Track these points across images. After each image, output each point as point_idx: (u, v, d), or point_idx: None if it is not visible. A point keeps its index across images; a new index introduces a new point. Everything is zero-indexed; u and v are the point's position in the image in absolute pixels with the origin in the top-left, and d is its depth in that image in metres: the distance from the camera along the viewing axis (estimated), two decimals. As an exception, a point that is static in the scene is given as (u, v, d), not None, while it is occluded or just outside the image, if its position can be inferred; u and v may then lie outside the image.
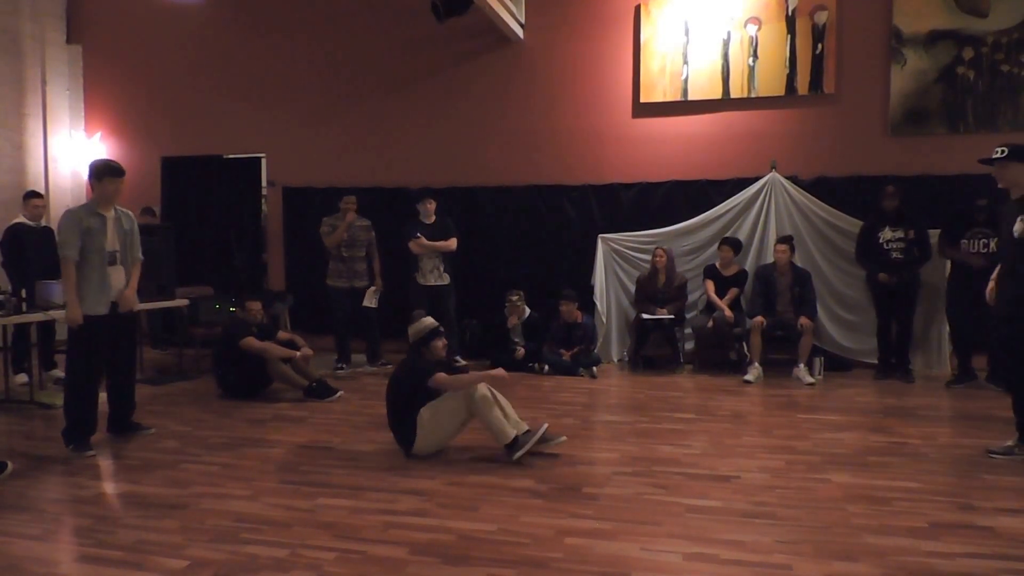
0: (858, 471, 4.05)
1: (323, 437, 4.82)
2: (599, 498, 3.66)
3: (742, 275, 7.02)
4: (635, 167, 7.66)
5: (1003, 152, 4.13)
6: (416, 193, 7.65)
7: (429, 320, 4.56)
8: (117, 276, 4.62)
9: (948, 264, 6.43)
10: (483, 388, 4.26)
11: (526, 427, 4.32)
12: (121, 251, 4.66)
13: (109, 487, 3.89)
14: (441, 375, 4.33)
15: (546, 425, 4.36)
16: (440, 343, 4.50)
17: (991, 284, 4.35)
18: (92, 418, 4.59)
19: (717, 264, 7.03)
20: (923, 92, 7.00)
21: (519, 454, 4.18)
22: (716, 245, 7.09)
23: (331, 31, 8.42)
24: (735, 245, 7.00)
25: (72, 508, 3.67)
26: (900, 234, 6.43)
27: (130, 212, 4.82)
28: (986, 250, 6.10)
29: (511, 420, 4.29)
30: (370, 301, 7.11)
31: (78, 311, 4.42)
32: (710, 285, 6.98)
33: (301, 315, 8.20)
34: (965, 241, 6.22)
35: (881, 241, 6.47)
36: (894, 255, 6.42)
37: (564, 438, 4.42)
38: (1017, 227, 4.08)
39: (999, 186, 4.26)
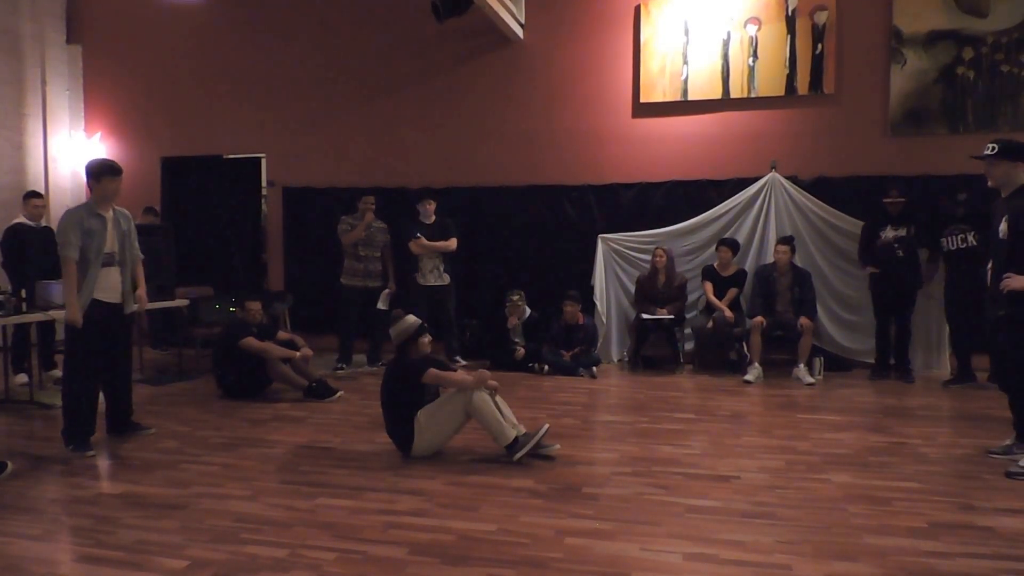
0: (858, 471, 4.05)
1: (323, 437, 4.82)
2: (599, 498, 3.66)
3: (741, 275, 7.02)
4: (635, 167, 7.66)
5: (994, 149, 4.07)
6: (416, 193, 7.66)
7: (412, 318, 4.53)
8: (113, 277, 4.60)
9: (942, 266, 6.44)
10: (481, 390, 4.26)
11: (523, 429, 4.32)
12: (119, 252, 4.65)
13: (109, 487, 3.89)
14: (434, 371, 4.32)
15: (547, 426, 4.35)
16: (425, 340, 4.47)
17: (989, 272, 4.32)
18: (91, 418, 4.59)
19: (715, 265, 7.04)
20: (923, 92, 7.00)
21: (520, 454, 4.18)
22: (715, 246, 7.09)
23: (331, 31, 8.42)
24: (733, 246, 7.00)
25: (72, 508, 3.67)
26: (902, 232, 6.44)
27: (127, 212, 4.81)
28: (964, 245, 6.12)
29: (509, 421, 4.29)
30: (383, 303, 7.13)
31: (78, 312, 4.41)
32: (708, 287, 6.98)
33: (301, 315, 8.20)
34: (944, 239, 6.23)
35: (883, 240, 6.48)
36: (898, 253, 6.43)
37: (558, 446, 4.37)
38: (1002, 227, 4.05)
39: (989, 184, 4.20)
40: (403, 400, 4.32)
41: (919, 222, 6.46)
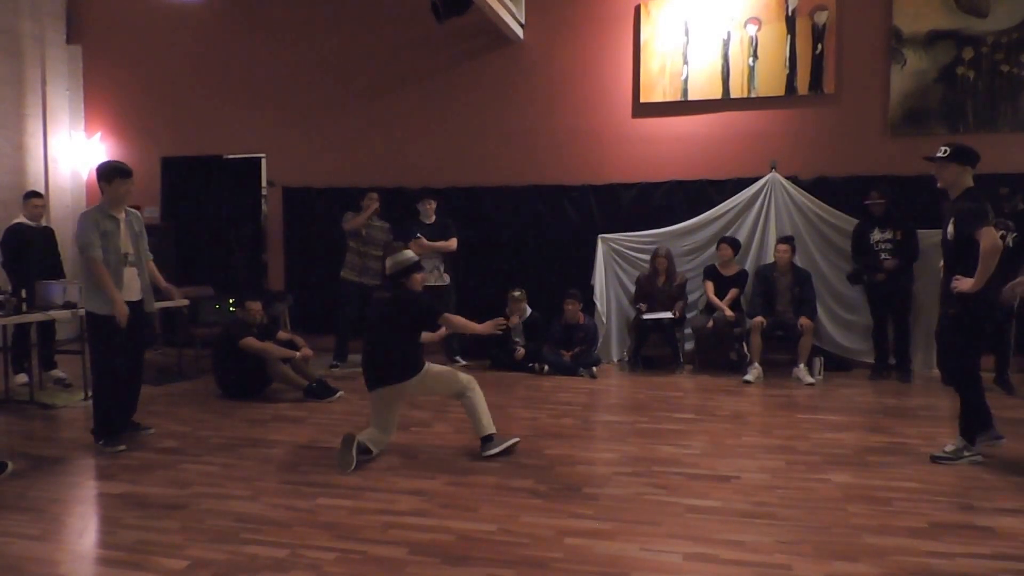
0: (858, 471, 4.05)
1: (323, 437, 4.81)
2: (599, 498, 3.66)
3: (742, 275, 7.01)
4: (635, 167, 7.66)
5: (946, 152, 4.12)
6: (416, 193, 7.65)
7: (410, 252, 4.58)
8: (131, 278, 4.70)
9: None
10: (476, 384, 4.44)
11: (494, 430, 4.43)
12: (134, 253, 4.74)
13: (109, 487, 3.89)
14: (448, 316, 4.46)
15: (517, 439, 4.47)
16: (420, 276, 4.50)
17: (940, 273, 4.47)
18: (120, 414, 4.70)
19: (717, 264, 7.04)
20: (923, 92, 7.00)
21: (493, 451, 4.29)
22: (715, 245, 7.09)
23: (331, 31, 8.42)
24: (734, 244, 7.00)
25: (72, 508, 3.68)
26: (889, 235, 6.47)
27: (139, 213, 4.92)
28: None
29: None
30: None
31: (123, 305, 4.54)
32: (709, 286, 6.98)
33: (301, 315, 8.19)
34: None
35: (871, 242, 6.50)
36: (883, 256, 6.46)
37: (518, 438, 4.49)
38: (949, 229, 4.12)
39: (938, 185, 4.25)
40: (407, 335, 4.35)
41: (907, 226, 6.47)
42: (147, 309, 4.88)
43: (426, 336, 4.63)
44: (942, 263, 4.43)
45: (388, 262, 4.59)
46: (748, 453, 4.42)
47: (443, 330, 4.80)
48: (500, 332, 4.58)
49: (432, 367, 4.41)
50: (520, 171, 7.94)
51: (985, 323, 4.14)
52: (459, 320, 4.55)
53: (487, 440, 4.34)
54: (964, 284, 3.97)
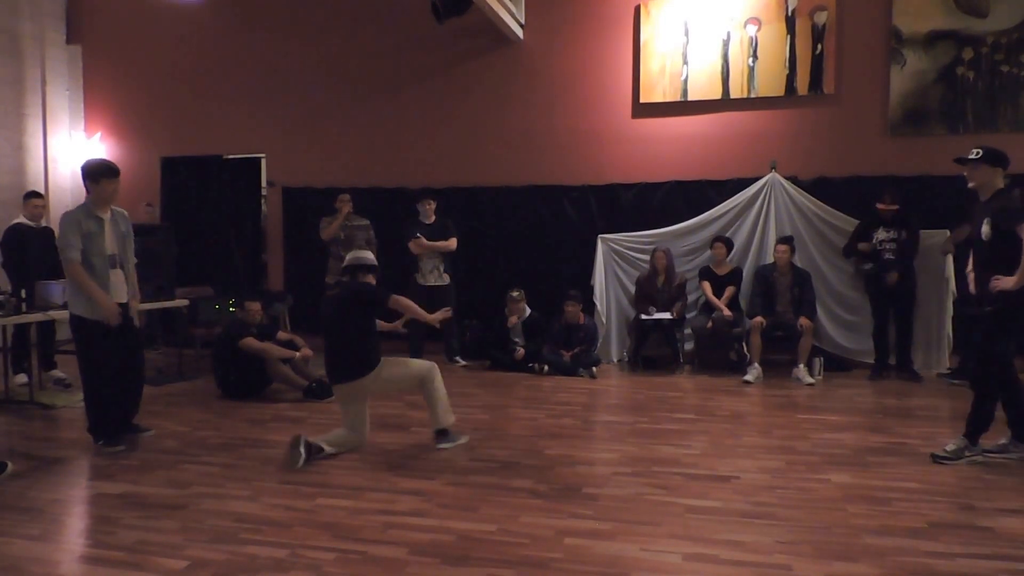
0: (858, 471, 4.05)
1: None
2: (599, 498, 3.66)
3: (736, 273, 7.02)
4: (635, 167, 7.66)
5: (978, 153, 4.18)
6: (416, 193, 7.65)
7: (369, 255, 4.65)
8: (118, 279, 4.60)
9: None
10: (437, 371, 4.55)
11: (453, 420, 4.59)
12: (120, 254, 4.64)
13: (109, 487, 3.89)
14: (396, 296, 4.48)
15: (467, 438, 4.63)
16: (372, 278, 4.56)
17: (970, 275, 4.46)
18: (117, 412, 4.65)
19: (711, 264, 7.04)
20: (923, 92, 7.01)
21: (447, 446, 4.45)
22: (710, 243, 7.09)
23: (331, 31, 8.42)
24: (728, 242, 7.01)
25: (72, 508, 3.68)
26: (893, 235, 6.46)
27: (125, 213, 4.79)
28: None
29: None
30: None
31: (109, 302, 4.44)
32: (707, 286, 6.98)
33: (301, 315, 8.19)
34: None
35: (875, 241, 6.50)
36: (887, 255, 6.46)
37: (467, 438, 4.63)
38: (984, 229, 4.15)
39: (969, 185, 4.29)
40: (359, 327, 4.41)
41: (912, 226, 6.47)
42: (131, 312, 4.73)
43: (383, 325, 4.75)
44: (970, 268, 4.45)
45: (348, 255, 4.64)
46: (748, 453, 4.42)
47: (398, 323, 4.89)
48: (439, 325, 4.78)
49: (388, 360, 4.46)
50: (520, 171, 7.95)
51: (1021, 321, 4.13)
52: (407, 302, 4.56)
53: (442, 434, 4.48)
54: (1006, 282, 3.99)
